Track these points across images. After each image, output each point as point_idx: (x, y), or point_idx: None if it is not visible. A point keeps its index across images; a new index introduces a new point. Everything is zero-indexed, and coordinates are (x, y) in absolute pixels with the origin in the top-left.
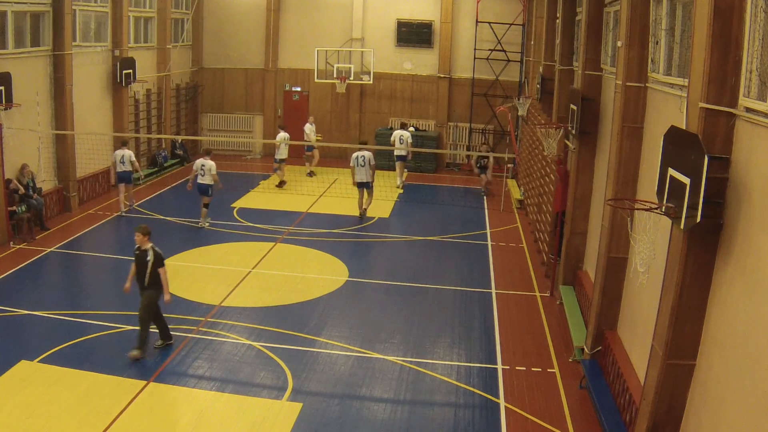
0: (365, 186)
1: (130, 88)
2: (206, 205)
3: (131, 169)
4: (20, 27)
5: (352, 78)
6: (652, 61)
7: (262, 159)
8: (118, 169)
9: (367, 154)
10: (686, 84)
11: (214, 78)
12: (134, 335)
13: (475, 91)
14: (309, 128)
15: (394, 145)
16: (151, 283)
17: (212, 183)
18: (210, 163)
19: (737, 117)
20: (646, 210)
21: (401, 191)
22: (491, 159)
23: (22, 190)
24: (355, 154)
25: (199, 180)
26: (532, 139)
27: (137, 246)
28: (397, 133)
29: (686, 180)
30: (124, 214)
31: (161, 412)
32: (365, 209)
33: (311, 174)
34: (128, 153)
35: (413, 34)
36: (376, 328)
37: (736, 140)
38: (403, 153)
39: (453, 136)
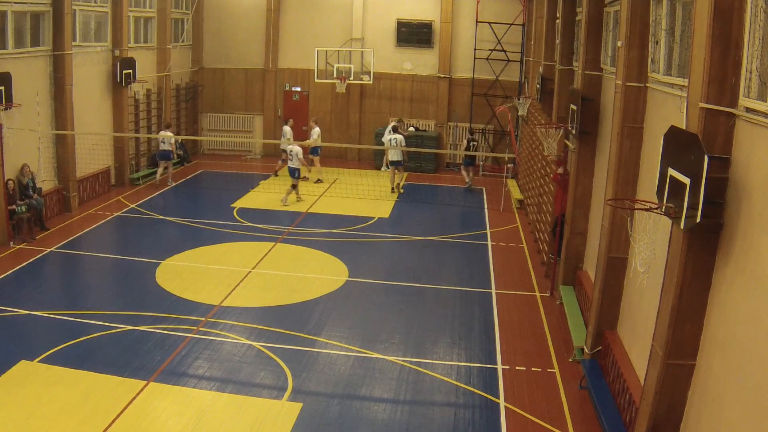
0: (398, 164)
1: (130, 88)
2: (294, 186)
3: (170, 149)
4: (20, 27)
5: (352, 78)
6: (652, 61)
7: (262, 159)
8: (161, 148)
9: (399, 137)
10: (686, 84)
11: (214, 78)
12: (135, 335)
13: (475, 91)
14: (288, 132)
15: (387, 149)
16: None
17: (299, 167)
18: (297, 149)
19: (737, 117)
20: (646, 210)
21: (401, 191)
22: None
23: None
24: (389, 137)
25: (290, 164)
26: (532, 139)
27: None
28: (388, 138)
29: (686, 180)
30: (158, 182)
31: (161, 412)
32: (398, 184)
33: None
34: (169, 134)
35: (413, 34)
36: (376, 328)
37: (736, 140)
38: (398, 158)
39: (453, 136)
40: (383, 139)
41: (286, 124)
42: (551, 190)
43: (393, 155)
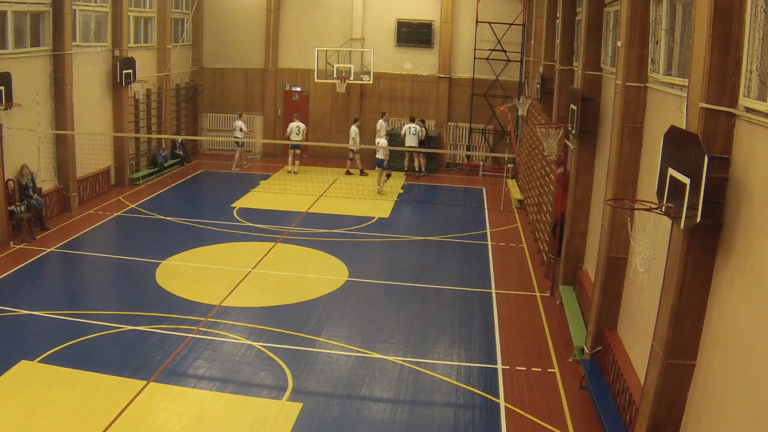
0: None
1: (130, 88)
2: (388, 175)
3: (240, 136)
4: (20, 27)
5: (352, 78)
6: (652, 61)
7: (262, 159)
8: (295, 138)
9: (416, 126)
10: (686, 84)
11: (214, 78)
12: (135, 335)
13: (475, 91)
14: (355, 131)
15: (405, 137)
16: None
17: (384, 157)
18: (384, 141)
19: (737, 117)
20: (646, 210)
21: (401, 192)
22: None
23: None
24: (406, 126)
25: (377, 156)
26: (532, 139)
27: None
28: (406, 126)
29: (686, 180)
30: (234, 169)
31: (161, 412)
32: (418, 169)
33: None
34: (241, 123)
35: (413, 34)
36: (376, 328)
37: (736, 140)
38: (414, 143)
39: (453, 136)
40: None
41: (354, 124)
42: (551, 190)
43: (410, 141)
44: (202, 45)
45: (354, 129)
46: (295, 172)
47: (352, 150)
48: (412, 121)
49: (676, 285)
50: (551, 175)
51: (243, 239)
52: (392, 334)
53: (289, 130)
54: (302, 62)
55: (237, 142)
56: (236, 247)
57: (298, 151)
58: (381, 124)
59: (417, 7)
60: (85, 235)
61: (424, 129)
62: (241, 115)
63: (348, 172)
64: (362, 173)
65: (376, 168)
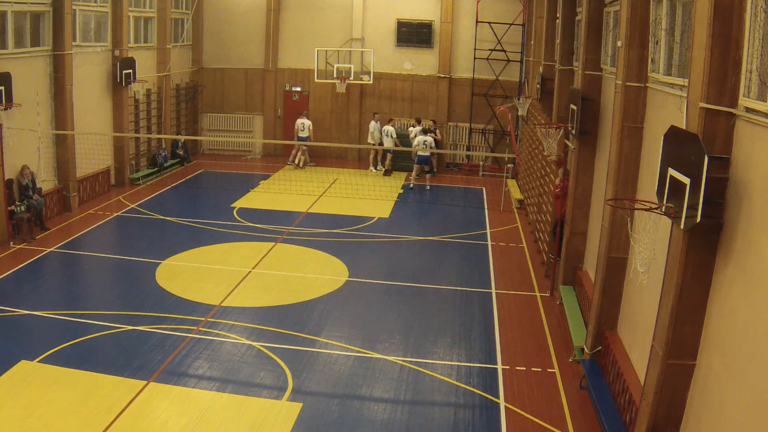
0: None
1: (130, 88)
2: (427, 172)
3: (307, 135)
4: (20, 27)
5: (352, 78)
6: (652, 61)
7: (262, 159)
8: (300, 135)
9: (429, 139)
10: (686, 84)
11: (214, 78)
12: (135, 335)
13: (475, 91)
14: (391, 130)
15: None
16: None
17: (428, 154)
18: (429, 139)
19: (737, 117)
20: (646, 210)
21: (403, 192)
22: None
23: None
24: (422, 138)
25: (420, 152)
26: (532, 139)
27: None
28: (420, 139)
29: (686, 180)
30: (300, 167)
31: (161, 412)
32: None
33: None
34: (300, 122)
35: (413, 34)
36: (376, 328)
37: (736, 140)
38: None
39: (453, 136)
40: (416, 140)
41: (388, 124)
42: (551, 190)
43: (421, 152)
44: (202, 45)
45: (390, 128)
46: (297, 166)
47: (388, 150)
48: (418, 120)
49: (676, 285)
50: (551, 176)
51: (243, 239)
52: (392, 334)
53: (295, 127)
54: (302, 62)
55: (300, 138)
56: (236, 247)
57: (304, 148)
58: (374, 125)
59: (417, 7)
60: (85, 235)
61: (438, 133)
62: (304, 113)
63: (386, 172)
64: (386, 172)
65: (417, 165)
